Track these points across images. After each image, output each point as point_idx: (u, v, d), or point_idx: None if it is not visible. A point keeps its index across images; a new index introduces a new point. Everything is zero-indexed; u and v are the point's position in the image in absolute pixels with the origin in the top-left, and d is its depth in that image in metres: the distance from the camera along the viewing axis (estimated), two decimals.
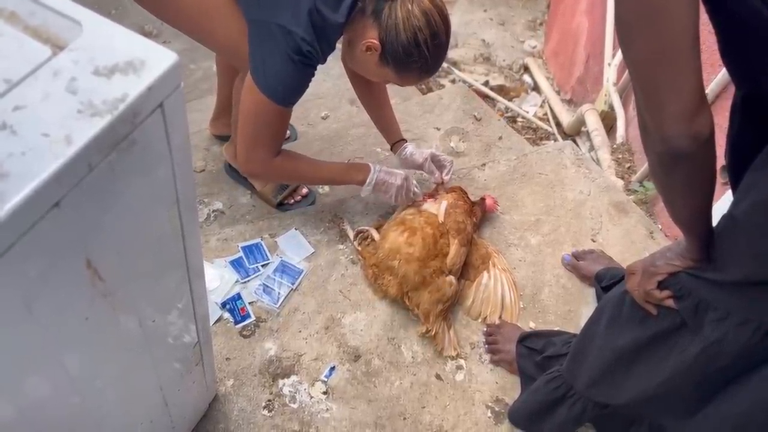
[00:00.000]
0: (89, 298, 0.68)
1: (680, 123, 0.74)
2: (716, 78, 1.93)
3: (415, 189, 1.75)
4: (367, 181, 1.67)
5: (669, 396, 1.09)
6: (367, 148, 2.19)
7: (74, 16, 0.63)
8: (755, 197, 0.80)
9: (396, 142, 1.86)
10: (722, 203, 1.71)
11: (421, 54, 1.38)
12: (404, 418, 1.47)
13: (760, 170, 0.79)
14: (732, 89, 0.89)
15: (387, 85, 1.77)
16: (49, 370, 0.70)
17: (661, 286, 1.00)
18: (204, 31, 1.49)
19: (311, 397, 1.48)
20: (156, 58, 0.62)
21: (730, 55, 0.83)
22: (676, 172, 0.81)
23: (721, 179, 1.54)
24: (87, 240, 0.62)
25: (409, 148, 1.84)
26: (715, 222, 0.92)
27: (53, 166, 0.52)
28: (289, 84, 1.40)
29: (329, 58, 1.45)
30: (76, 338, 0.70)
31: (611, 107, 2.69)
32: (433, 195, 1.80)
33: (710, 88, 1.96)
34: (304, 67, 1.37)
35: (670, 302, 0.98)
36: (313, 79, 1.43)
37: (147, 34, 3.05)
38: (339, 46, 1.49)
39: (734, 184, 0.88)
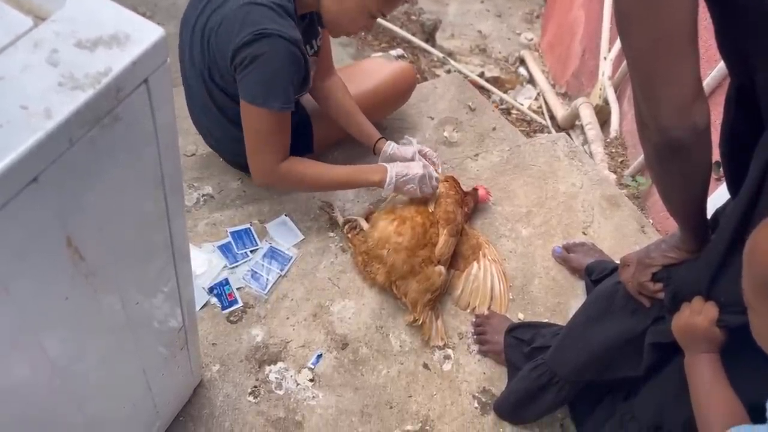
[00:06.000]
0: (70, 278, 0.66)
1: (677, 113, 0.74)
2: (712, 73, 1.92)
3: (436, 176, 1.68)
4: (387, 180, 1.60)
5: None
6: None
7: None
8: None
9: (377, 141, 1.79)
10: (716, 197, 1.70)
11: None
12: (391, 407, 1.46)
13: None
14: (726, 84, 0.88)
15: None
16: (27, 350, 0.68)
17: (654, 278, 0.99)
18: None
19: (297, 384, 1.47)
20: (142, 32, 0.60)
21: (726, 45, 0.83)
22: (673, 163, 0.80)
23: (714, 175, 1.54)
24: (67, 217, 0.61)
25: (393, 146, 1.76)
26: (709, 215, 0.91)
27: (31, 139, 0.51)
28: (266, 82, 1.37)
29: None
30: (55, 318, 0.69)
31: (606, 101, 2.68)
32: None
33: (706, 83, 1.95)
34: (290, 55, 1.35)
35: (662, 295, 0.98)
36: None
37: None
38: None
39: (728, 174, 0.88)
